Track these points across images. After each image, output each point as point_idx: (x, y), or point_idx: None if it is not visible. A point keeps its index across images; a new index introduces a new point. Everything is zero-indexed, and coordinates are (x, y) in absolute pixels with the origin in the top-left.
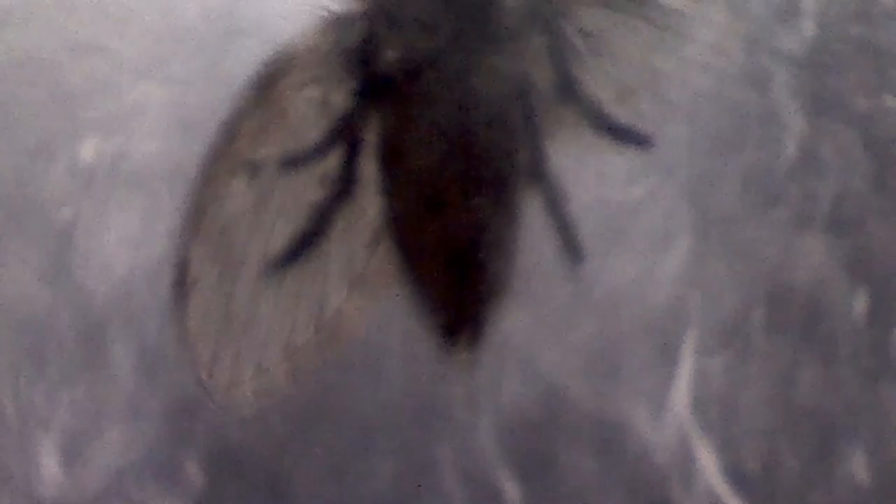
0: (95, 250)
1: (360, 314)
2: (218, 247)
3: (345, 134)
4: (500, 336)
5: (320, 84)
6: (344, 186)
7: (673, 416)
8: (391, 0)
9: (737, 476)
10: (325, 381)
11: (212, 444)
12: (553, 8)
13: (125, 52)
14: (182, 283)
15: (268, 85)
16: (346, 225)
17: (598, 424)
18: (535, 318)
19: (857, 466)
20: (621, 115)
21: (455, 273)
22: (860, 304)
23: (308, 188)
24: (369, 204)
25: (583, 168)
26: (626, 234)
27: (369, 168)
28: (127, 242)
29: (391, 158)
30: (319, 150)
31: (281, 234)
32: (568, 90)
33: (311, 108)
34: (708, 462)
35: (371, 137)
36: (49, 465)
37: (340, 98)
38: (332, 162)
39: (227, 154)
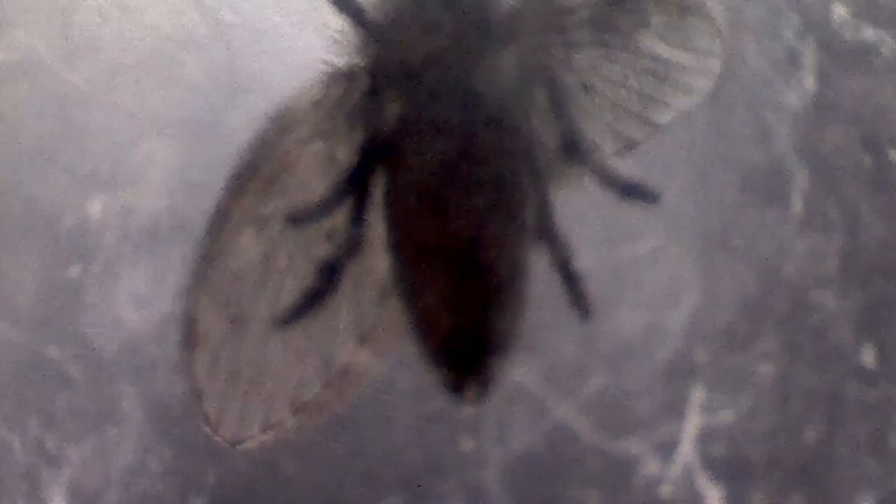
0: (104, 306)
1: (367, 370)
2: (225, 303)
3: (352, 189)
4: (509, 388)
5: (326, 139)
6: (352, 242)
7: (681, 464)
8: (395, 55)
9: None
10: (334, 426)
11: (220, 490)
12: (554, 62)
13: (133, 107)
14: (190, 339)
15: (273, 140)
16: (354, 280)
17: (606, 466)
18: (545, 372)
19: None
20: (625, 170)
21: (463, 329)
22: (868, 358)
23: (316, 243)
24: (377, 260)
25: (589, 224)
26: (634, 288)
27: (377, 223)
28: (135, 299)
29: (398, 214)
30: (327, 206)
31: (288, 289)
32: (573, 146)
33: (318, 163)
34: None
35: (378, 192)
36: None
37: (346, 153)
38: (340, 217)
39: (234, 210)
